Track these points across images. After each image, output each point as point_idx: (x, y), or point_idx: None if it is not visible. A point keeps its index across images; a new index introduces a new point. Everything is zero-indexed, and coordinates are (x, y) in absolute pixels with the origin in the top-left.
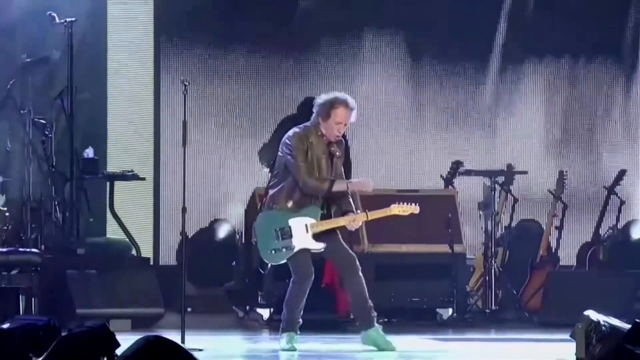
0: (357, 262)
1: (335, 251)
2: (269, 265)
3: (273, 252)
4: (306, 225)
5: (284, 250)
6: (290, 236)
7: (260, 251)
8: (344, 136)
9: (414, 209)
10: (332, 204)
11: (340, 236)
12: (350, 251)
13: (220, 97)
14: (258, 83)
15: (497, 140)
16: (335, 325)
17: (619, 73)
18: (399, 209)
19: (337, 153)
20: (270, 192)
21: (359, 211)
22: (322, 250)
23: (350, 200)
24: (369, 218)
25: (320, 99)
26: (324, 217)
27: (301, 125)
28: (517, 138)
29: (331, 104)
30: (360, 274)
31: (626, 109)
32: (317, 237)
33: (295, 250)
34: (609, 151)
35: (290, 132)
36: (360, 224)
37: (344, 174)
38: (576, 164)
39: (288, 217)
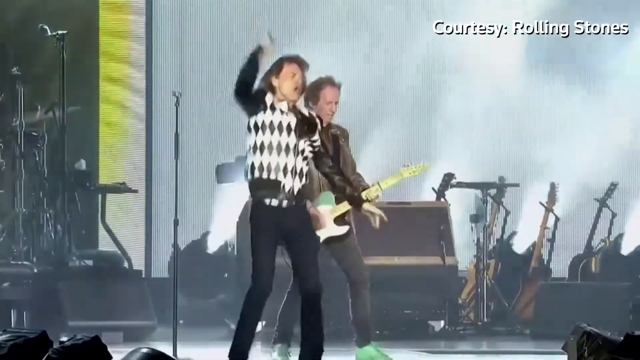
0: (368, 279)
1: (351, 263)
2: None
3: None
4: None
5: None
6: None
7: None
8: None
9: (424, 167)
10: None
11: (359, 249)
12: (365, 266)
13: (213, 109)
14: None
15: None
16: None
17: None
18: (409, 172)
19: (341, 139)
20: None
21: (371, 184)
22: (346, 232)
23: (361, 178)
24: (383, 188)
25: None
26: (339, 200)
27: None
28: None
29: (317, 86)
30: (368, 290)
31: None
32: (339, 222)
33: (322, 241)
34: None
35: None
36: (377, 197)
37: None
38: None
39: None
